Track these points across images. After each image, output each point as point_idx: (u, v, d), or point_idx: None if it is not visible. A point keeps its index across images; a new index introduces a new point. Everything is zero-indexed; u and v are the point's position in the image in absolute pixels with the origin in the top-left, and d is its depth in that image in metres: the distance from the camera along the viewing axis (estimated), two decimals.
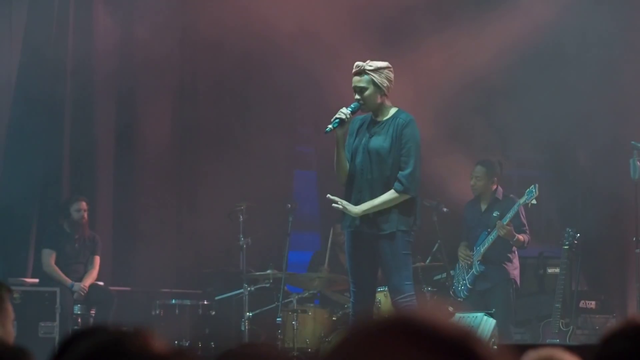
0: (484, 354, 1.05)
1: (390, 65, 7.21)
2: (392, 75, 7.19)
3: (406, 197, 7.10)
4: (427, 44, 10.89)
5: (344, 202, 7.20)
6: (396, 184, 7.10)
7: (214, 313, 9.88)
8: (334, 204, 7.26)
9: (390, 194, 7.10)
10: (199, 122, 11.71)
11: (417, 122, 7.25)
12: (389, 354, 0.97)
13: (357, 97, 7.15)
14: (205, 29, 11.10)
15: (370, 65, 7.13)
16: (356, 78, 7.15)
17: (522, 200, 9.51)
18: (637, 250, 9.58)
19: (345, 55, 9.23)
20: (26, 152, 10.74)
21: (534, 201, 9.45)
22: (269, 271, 9.50)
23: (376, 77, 7.11)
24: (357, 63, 7.19)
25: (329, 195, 7.32)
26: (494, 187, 9.84)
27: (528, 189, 9.50)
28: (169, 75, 11.68)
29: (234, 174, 11.20)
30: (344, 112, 7.10)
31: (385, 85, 7.14)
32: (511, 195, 9.85)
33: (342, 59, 9.00)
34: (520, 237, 9.58)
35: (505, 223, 9.51)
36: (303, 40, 10.72)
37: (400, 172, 7.11)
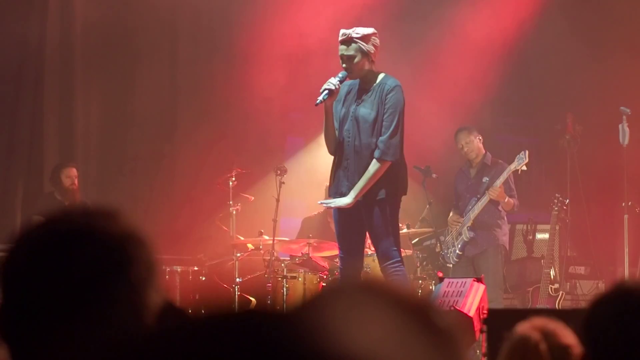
0: (439, 320, 1.07)
1: (376, 31, 7.07)
2: (378, 41, 7.06)
3: (386, 163, 7.03)
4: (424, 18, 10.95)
5: (335, 200, 7.18)
6: (375, 151, 7.04)
7: (204, 279, 9.88)
8: (327, 207, 7.38)
9: (371, 167, 7.02)
10: (192, 86, 11.66)
11: (404, 89, 7.18)
12: (350, 314, 0.98)
13: (344, 65, 7.03)
14: None
15: (357, 33, 6.99)
16: (343, 47, 7.02)
17: (512, 166, 9.52)
18: (626, 216, 9.61)
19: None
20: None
21: (524, 167, 9.47)
22: (258, 237, 9.51)
23: (363, 45, 6.98)
24: (342, 31, 7.04)
25: (320, 201, 7.50)
26: (484, 151, 9.85)
27: (518, 155, 9.51)
28: (163, 37, 11.64)
29: (226, 139, 11.17)
30: (333, 82, 6.99)
31: (372, 51, 7.02)
32: (500, 161, 9.86)
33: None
34: (510, 200, 9.61)
35: (497, 187, 9.55)
36: None
37: (380, 137, 7.04)
